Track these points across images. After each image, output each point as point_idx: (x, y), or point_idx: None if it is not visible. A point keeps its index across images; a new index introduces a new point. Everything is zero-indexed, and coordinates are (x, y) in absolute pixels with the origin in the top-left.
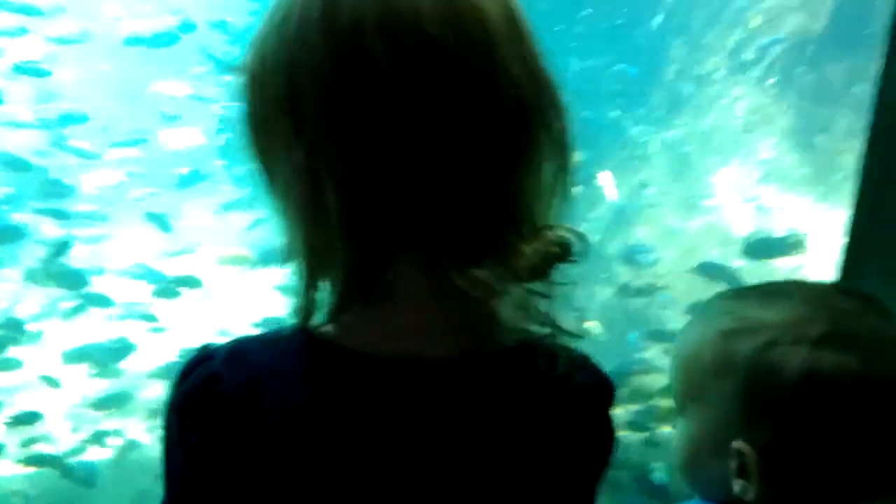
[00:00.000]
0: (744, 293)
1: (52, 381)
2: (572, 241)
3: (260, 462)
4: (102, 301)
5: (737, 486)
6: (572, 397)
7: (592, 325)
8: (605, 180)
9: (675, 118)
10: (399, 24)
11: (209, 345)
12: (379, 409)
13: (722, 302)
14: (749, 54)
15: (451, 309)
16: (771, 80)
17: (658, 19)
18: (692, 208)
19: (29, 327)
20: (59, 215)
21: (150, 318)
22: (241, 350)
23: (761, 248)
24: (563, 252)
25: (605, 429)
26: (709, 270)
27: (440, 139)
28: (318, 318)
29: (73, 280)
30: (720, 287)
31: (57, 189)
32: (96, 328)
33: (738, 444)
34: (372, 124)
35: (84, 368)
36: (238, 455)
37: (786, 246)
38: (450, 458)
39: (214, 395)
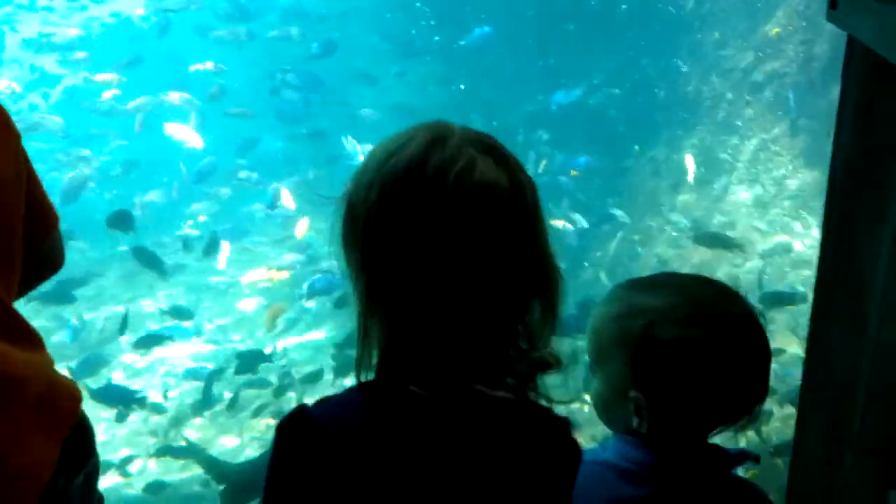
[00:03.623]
0: (633, 284)
1: None
2: (551, 360)
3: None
4: None
5: (634, 422)
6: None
7: None
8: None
9: (690, 137)
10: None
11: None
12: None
13: (619, 291)
14: (759, 76)
15: None
16: (781, 101)
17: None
18: (706, 226)
19: None
20: None
21: None
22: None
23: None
24: (544, 366)
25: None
26: None
27: (462, 282)
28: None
29: None
30: None
31: None
32: None
33: (633, 393)
34: (411, 265)
35: None
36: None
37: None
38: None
39: (307, 427)
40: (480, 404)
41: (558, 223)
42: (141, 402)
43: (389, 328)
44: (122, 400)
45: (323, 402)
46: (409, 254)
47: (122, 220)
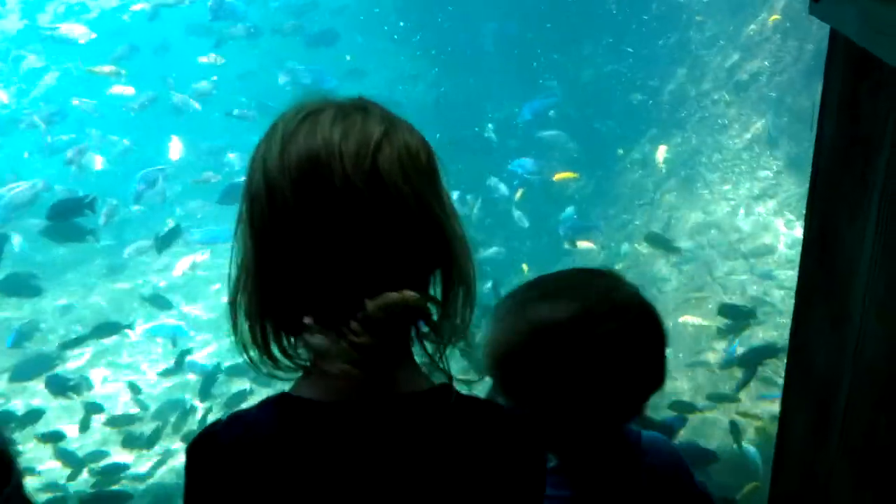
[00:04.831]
0: (525, 298)
1: None
2: (462, 333)
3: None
4: None
5: None
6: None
7: None
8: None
9: (674, 136)
10: (316, 171)
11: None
12: (326, 443)
13: (513, 305)
14: (744, 75)
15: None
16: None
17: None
18: (691, 224)
19: None
20: None
21: None
22: (236, 416)
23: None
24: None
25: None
26: None
27: (339, 248)
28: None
29: None
30: None
31: None
32: None
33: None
34: (285, 240)
35: None
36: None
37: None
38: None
39: (215, 449)
40: (397, 410)
41: (583, 244)
42: (76, 388)
43: (262, 300)
44: (62, 388)
45: (232, 419)
46: (277, 223)
47: (71, 211)
